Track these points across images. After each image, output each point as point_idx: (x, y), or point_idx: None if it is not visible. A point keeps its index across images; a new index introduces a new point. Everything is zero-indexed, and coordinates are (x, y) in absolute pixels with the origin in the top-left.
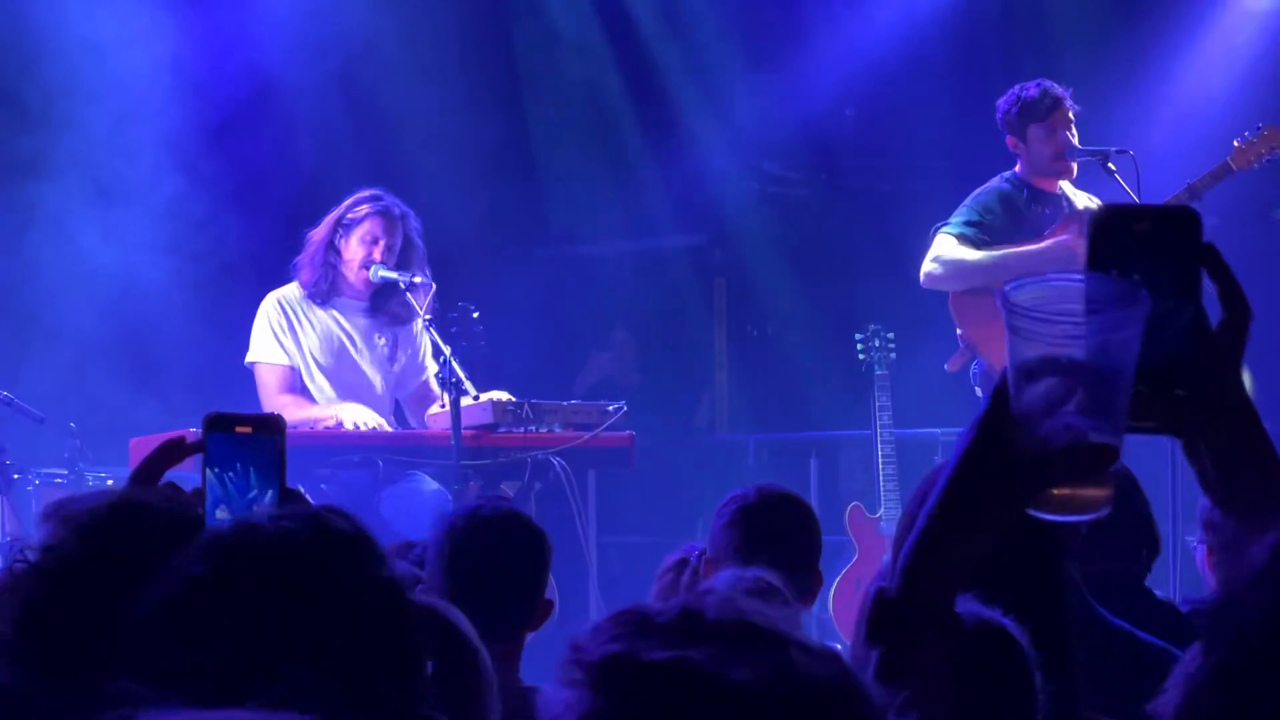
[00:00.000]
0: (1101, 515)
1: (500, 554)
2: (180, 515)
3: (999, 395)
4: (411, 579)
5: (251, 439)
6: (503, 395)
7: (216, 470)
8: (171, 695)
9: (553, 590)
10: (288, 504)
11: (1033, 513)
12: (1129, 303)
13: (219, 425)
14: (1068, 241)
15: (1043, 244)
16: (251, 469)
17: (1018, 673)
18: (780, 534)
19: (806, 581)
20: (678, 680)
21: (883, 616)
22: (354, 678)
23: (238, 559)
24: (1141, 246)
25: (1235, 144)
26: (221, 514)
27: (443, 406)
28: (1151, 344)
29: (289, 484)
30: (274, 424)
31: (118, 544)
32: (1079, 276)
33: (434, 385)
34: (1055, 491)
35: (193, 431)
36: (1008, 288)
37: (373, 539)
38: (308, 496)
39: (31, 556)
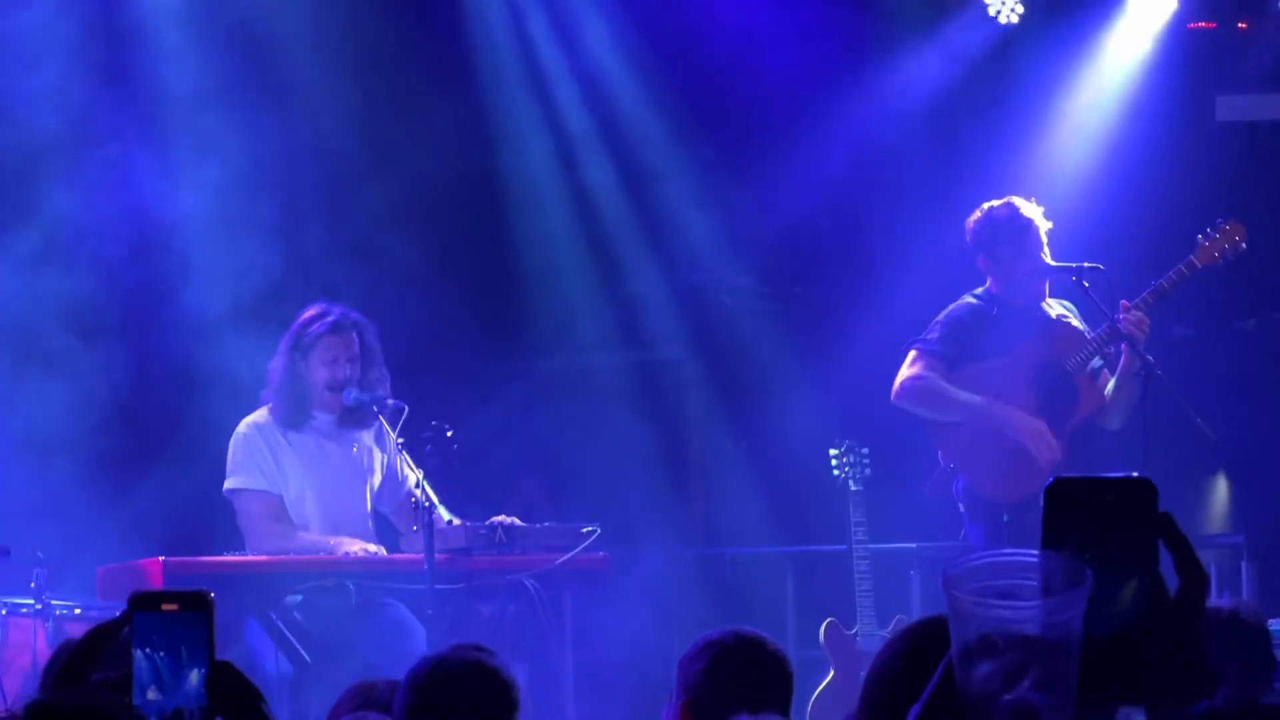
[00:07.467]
0: None
1: (464, 707)
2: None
3: (945, 679)
4: None
5: (179, 616)
6: (507, 519)
7: (146, 650)
8: None
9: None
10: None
11: None
12: (1075, 583)
13: (146, 604)
14: (1025, 416)
15: (1006, 411)
16: (181, 646)
17: None
18: (760, 683)
19: None
20: None
21: None
22: None
23: None
24: (1097, 518)
25: (1199, 239)
26: (152, 695)
27: (415, 529)
28: (1105, 615)
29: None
30: (201, 600)
31: None
32: (1015, 554)
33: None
34: None
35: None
36: (948, 571)
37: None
38: (239, 670)
39: None
